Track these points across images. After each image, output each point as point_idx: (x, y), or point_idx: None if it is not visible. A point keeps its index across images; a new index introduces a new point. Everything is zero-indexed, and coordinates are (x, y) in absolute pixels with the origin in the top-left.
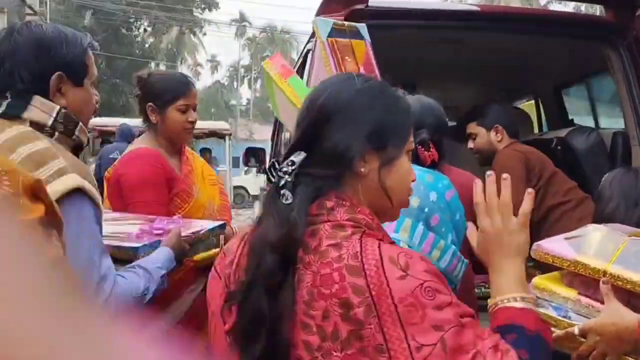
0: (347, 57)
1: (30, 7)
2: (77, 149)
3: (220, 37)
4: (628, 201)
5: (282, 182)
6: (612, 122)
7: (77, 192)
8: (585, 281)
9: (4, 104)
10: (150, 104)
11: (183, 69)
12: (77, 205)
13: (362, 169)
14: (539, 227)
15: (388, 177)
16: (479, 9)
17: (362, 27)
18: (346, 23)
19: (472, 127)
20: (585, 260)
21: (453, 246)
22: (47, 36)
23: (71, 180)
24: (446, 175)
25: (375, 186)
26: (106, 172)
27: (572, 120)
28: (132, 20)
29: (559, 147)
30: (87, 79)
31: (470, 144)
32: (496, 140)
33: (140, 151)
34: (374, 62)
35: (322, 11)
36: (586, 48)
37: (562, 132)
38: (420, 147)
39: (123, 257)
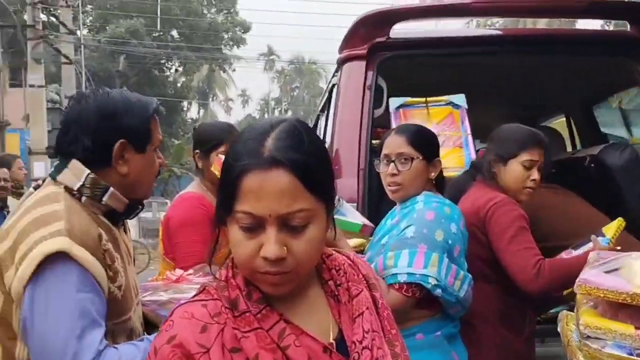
0: (414, 119)
1: (65, 57)
2: (112, 215)
3: (249, 71)
4: None
5: None
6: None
7: (62, 256)
8: (632, 314)
9: (55, 166)
10: (197, 151)
11: (215, 105)
12: (59, 269)
13: None
14: None
15: None
16: (501, 32)
17: (458, 97)
18: (431, 99)
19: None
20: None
21: (469, 275)
22: (111, 104)
23: (58, 243)
24: (477, 192)
25: None
26: (162, 217)
27: (605, 135)
28: (163, 61)
29: (592, 165)
30: (149, 145)
31: None
32: None
33: (185, 195)
34: (460, 123)
35: (345, 46)
36: (613, 63)
37: (595, 150)
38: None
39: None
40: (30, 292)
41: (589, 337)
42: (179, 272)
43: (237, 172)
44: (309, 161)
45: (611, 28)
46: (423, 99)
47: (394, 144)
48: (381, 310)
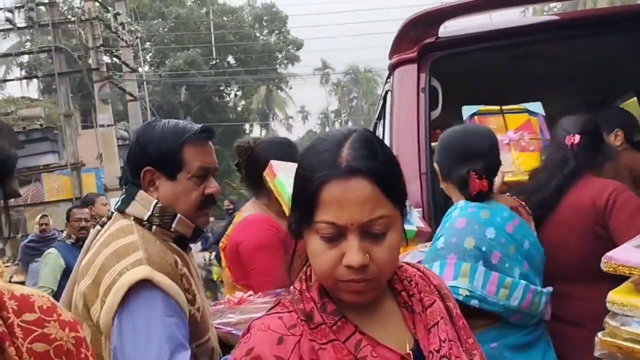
0: (490, 126)
1: (130, 94)
2: (182, 241)
3: (306, 87)
4: None
5: None
6: None
7: (146, 284)
8: None
9: (119, 199)
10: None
11: (275, 124)
12: (144, 297)
13: None
14: None
15: None
16: (557, 17)
17: (535, 105)
18: (506, 107)
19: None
20: None
21: (522, 281)
22: (148, 133)
23: (141, 272)
24: (587, 185)
25: None
26: (220, 243)
27: None
28: (222, 88)
29: None
30: (182, 172)
31: None
32: (615, 145)
33: (251, 218)
34: (539, 130)
35: (395, 50)
36: None
37: None
38: (473, 173)
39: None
40: (118, 321)
41: (615, 314)
42: (239, 294)
43: (317, 183)
44: (385, 168)
45: None
46: (498, 107)
47: None
48: (456, 320)
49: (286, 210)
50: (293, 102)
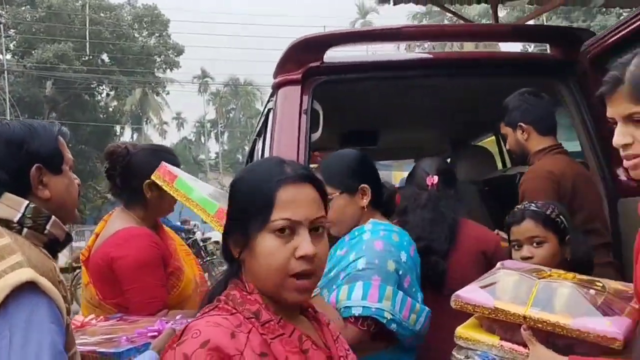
0: None
1: None
2: (53, 245)
3: (184, 94)
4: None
5: None
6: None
7: (30, 287)
8: (504, 325)
9: None
10: (149, 181)
11: (149, 129)
12: (29, 301)
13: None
14: None
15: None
16: (431, 55)
17: None
18: None
19: (502, 127)
20: (504, 306)
21: (426, 308)
22: (16, 132)
23: (24, 274)
24: (463, 228)
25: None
26: (81, 254)
27: None
28: (93, 86)
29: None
30: (64, 165)
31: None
32: (524, 140)
33: (132, 231)
34: None
35: (280, 71)
36: (538, 83)
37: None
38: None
39: None
40: None
41: (460, 347)
42: (79, 318)
43: (275, 186)
44: (320, 182)
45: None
46: None
47: None
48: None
49: (203, 215)
50: (169, 108)
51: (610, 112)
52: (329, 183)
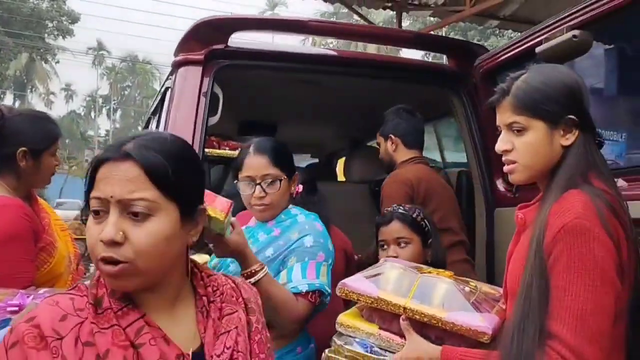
0: None
1: None
2: None
3: (75, 65)
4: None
5: None
6: (459, 159)
7: None
8: (383, 315)
9: None
10: (23, 148)
11: (34, 97)
12: None
13: None
14: None
15: None
16: (335, 53)
17: None
18: None
19: (377, 137)
20: (386, 297)
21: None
22: None
23: None
24: (332, 235)
25: None
26: None
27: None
28: None
29: None
30: None
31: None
32: (392, 150)
33: (2, 201)
34: None
35: (181, 49)
36: (433, 93)
37: None
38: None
39: None
40: None
41: (341, 334)
42: None
43: (95, 164)
44: (162, 161)
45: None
46: None
47: (257, 165)
48: (253, 334)
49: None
50: (58, 78)
51: (498, 120)
52: (278, 166)
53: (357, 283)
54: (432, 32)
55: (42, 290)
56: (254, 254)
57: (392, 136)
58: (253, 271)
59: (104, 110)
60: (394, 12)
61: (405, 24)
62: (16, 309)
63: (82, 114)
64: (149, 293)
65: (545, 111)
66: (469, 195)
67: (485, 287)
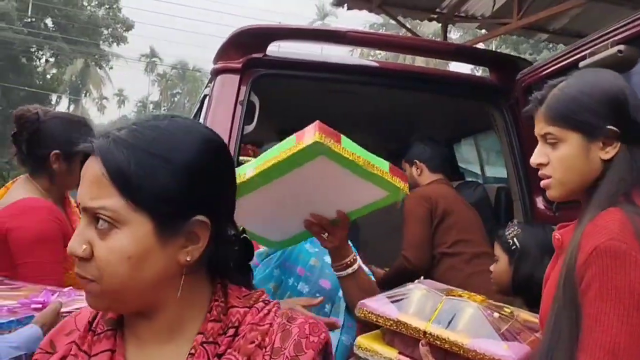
0: None
1: None
2: None
3: (128, 71)
4: (544, 253)
5: None
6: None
7: None
8: (405, 340)
9: None
10: (57, 151)
11: (87, 102)
12: None
13: None
14: (430, 272)
15: None
16: (378, 64)
17: None
18: None
19: (402, 162)
20: (406, 319)
21: None
22: None
23: None
24: None
25: None
26: None
27: (463, 173)
28: (33, 49)
29: None
30: None
31: None
32: (417, 175)
33: (32, 202)
34: None
35: (220, 57)
36: (474, 106)
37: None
38: None
39: None
40: None
41: (359, 357)
42: None
43: (81, 157)
44: (128, 160)
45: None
46: None
47: None
48: None
49: (380, 173)
50: (111, 83)
51: (535, 130)
52: None
53: (377, 303)
54: (481, 45)
55: (67, 289)
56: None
57: (417, 162)
58: (350, 261)
59: None
60: (440, 23)
61: (455, 36)
62: (40, 306)
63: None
64: (141, 319)
65: (581, 122)
66: (508, 212)
67: (525, 315)
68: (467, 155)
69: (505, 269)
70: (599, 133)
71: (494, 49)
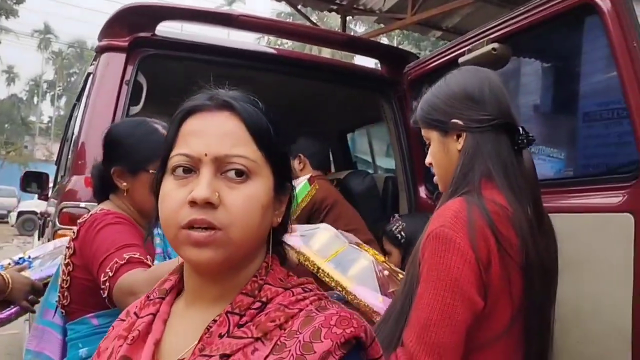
0: None
1: None
2: None
3: (19, 47)
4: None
5: None
6: (389, 165)
7: None
8: (306, 273)
9: None
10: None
11: None
12: None
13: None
14: None
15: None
16: (272, 51)
17: None
18: None
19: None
20: (307, 252)
21: None
22: None
23: None
24: None
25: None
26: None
27: (355, 162)
28: None
29: (338, 188)
30: None
31: None
32: (299, 169)
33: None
34: None
35: (106, 34)
36: (367, 97)
37: (342, 175)
38: None
39: None
40: None
41: None
42: None
43: (181, 115)
44: (263, 118)
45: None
46: None
47: None
48: None
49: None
50: (0, 59)
51: None
52: None
53: (291, 237)
54: (380, 38)
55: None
56: None
57: (302, 156)
58: None
59: (48, 96)
60: (339, 15)
61: (361, 30)
62: None
63: (24, 98)
64: (206, 283)
65: (434, 120)
66: (394, 200)
67: None
68: (360, 146)
69: (399, 261)
70: (448, 127)
71: (395, 45)
